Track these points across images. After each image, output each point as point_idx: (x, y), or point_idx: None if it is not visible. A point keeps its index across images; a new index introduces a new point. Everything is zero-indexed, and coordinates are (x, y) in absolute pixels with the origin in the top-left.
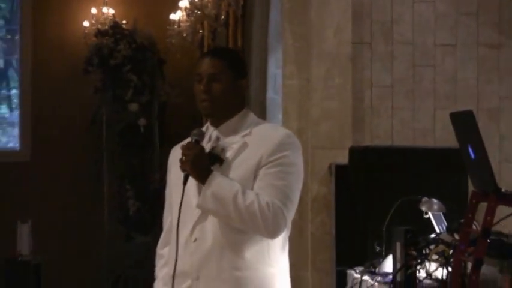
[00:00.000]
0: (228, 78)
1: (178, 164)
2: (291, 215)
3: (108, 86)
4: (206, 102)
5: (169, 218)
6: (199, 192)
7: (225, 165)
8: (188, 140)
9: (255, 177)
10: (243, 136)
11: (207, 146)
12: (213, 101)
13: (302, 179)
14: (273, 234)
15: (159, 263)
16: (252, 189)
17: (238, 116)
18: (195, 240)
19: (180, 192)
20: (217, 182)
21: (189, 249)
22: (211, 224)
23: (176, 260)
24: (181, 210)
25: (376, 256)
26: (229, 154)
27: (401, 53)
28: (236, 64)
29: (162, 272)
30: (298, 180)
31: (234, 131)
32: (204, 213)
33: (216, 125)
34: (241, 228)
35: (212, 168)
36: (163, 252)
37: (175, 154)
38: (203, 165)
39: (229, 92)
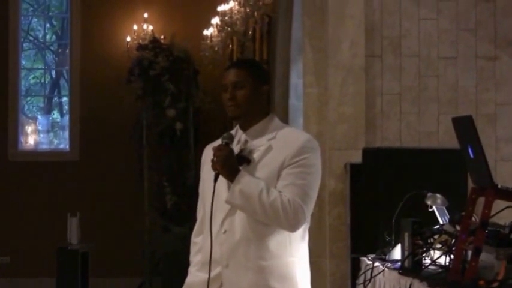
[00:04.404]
0: (251, 84)
1: (210, 162)
2: (309, 210)
3: (148, 94)
4: (232, 107)
5: (201, 210)
6: (229, 189)
7: (252, 166)
8: (219, 142)
9: (278, 177)
10: (269, 140)
11: (236, 148)
12: (238, 106)
13: (320, 178)
14: (293, 227)
15: (193, 249)
16: (276, 187)
17: (264, 121)
18: (225, 232)
19: (212, 189)
20: (245, 180)
21: (220, 240)
22: (239, 217)
23: (211, 249)
24: (213, 205)
25: (387, 245)
26: (256, 155)
27: (408, 64)
28: (257, 71)
29: (196, 258)
30: (317, 179)
31: (261, 134)
32: (233, 208)
33: (244, 128)
34: (266, 222)
35: (240, 168)
36: (198, 240)
37: (208, 153)
38: (232, 165)
39: (253, 96)
